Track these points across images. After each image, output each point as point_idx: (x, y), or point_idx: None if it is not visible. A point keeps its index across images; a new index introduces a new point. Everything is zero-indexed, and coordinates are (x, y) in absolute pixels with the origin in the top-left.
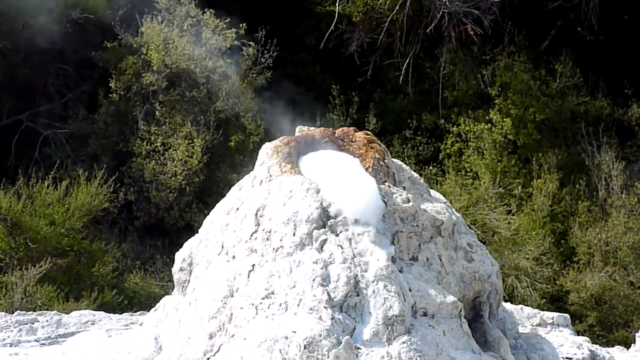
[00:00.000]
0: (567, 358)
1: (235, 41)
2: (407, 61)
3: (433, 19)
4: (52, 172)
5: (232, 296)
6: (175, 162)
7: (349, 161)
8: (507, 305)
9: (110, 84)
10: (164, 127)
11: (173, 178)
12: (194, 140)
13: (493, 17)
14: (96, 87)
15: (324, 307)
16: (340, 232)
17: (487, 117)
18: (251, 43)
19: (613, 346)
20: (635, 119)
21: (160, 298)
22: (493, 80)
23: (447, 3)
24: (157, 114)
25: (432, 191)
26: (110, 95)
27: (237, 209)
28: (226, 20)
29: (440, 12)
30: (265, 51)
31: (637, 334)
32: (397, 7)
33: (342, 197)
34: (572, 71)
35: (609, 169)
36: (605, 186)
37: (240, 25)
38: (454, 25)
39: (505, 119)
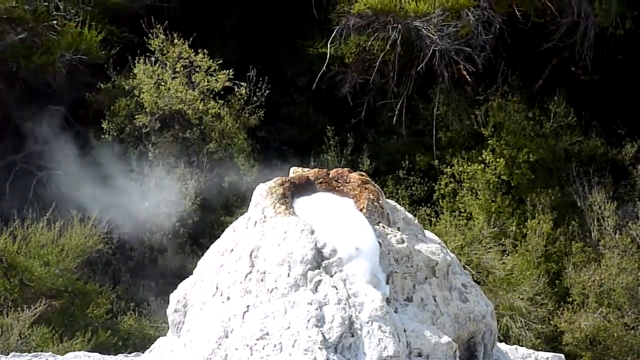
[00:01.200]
0: None
1: (227, 82)
2: (400, 102)
3: (424, 57)
4: (47, 214)
5: (227, 337)
6: (168, 203)
7: (343, 202)
8: (502, 346)
9: (102, 125)
10: (157, 168)
11: (167, 220)
12: (187, 182)
13: (486, 55)
14: (90, 128)
15: (319, 347)
16: (335, 272)
17: (480, 158)
18: (243, 84)
19: None
20: (629, 158)
21: (155, 339)
22: (486, 121)
23: (438, 41)
24: (150, 155)
25: (426, 232)
26: (103, 137)
27: (232, 250)
28: (219, 62)
29: (431, 50)
30: (257, 90)
31: None
32: (388, 47)
33: (336, 237)
34: (565, 111)
35: (601, 210)
36: (598, 227)
37: (229, 70)
38: (445, 64)
39: (498, 159)
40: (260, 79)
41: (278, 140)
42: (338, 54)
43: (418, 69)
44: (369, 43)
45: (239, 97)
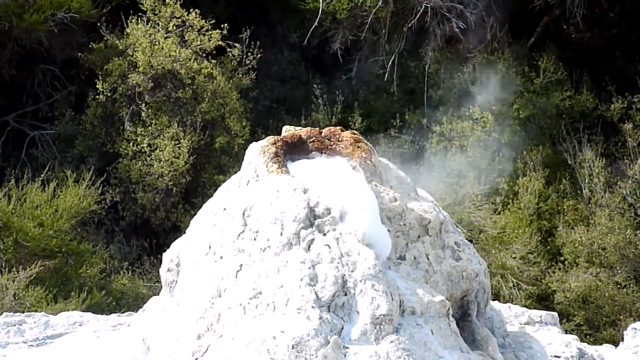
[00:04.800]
0: (555, 356)
1: (220, 42)
2: (392, 59)
3: (416, 14)
4: (41, 174)
5: (220, 296)
6: (161, 163)
7: (336, 162)
8: (495, 304)
9: (97, 85)
10: (150, 128)
11: (160, 179)
12: (181, 141)
13: (477, 13)
14: (83, 88)
15: (312, 306)
16: (328, 231)
17: (470, 114)
18: (236, 45)
19: (601, 344)
20: (616, 114)
21: (148, 299)
22: (476, 77)
23: None
24: (143, 115)
25: (419, 190)
26: (97, 97)
27: (225, 209)
28: (211, 22)
29: (423, 7)
30: (249, 53)
31: (625, 332)
32: (380, 3)
33: (330, 196)
34: (555, 67)
35: (591, 168)
36: (589, 184)
37: (222, 25)
38: (438, 21)
39: (488, 116)
40: (252, 43)
41: (269, 98)
42: (330, 10)
43: (409, 26)
44: None
45: (232, 58)
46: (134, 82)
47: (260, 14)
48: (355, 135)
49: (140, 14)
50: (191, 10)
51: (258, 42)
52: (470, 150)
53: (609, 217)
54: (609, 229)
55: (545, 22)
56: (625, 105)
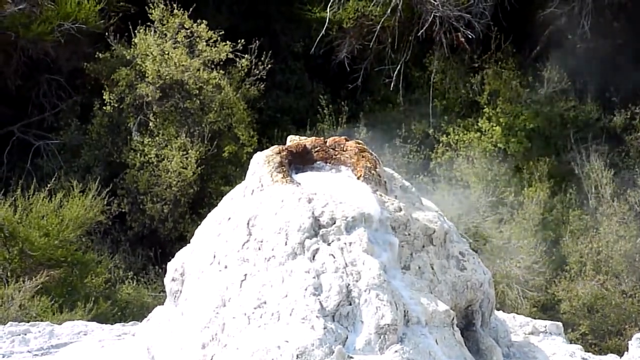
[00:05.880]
0: None
1: (229, 53)
2: (397, 68)
3: (424, 23)
4: (48, 185)
5: (225, 306)
6: (169, 173)
7: (341, 173)
8: (500, 314)
9: (103, 96)
10: (157, 138)
11: (168, 189)
12: (189, 151)
13: (485, 22)
14: (89, 98)
15: (316, 316)
16: (333, 241)
17: (476, 126)
18: (245, 55)
19: (606, 354)
20: (619, 126)
21: (153, 308)
22: (482, 88)
23: (439, 7)
24: (150, 125)
25: (423, 200)
26: (104, 107)
27: (229, 218)
28: (220, 33)
29: (432, 16)
30: (260, 63)
31: (629, 342)
32: (389, 12)
33: (334, 206)
34: (559, 76)
35: (598, 177)
36: (596, 194)
37: (239, 41)
38: (445, 30)
39: (495, 127)
40: (264, 52)
41: (273, 108)
42: (336, 19)
43: (418, 35)
44: (368, 9)
45: (240, 68)
46: (143, 92)
47: (264, 24)
48: (360, 145)
49: (148, 23)
50: (199, 21)
51: (270, 52)
52: (477, 161)
53: (617, 225)
54: (617, 237)
55: (550, 32)
56: (629, 116)
